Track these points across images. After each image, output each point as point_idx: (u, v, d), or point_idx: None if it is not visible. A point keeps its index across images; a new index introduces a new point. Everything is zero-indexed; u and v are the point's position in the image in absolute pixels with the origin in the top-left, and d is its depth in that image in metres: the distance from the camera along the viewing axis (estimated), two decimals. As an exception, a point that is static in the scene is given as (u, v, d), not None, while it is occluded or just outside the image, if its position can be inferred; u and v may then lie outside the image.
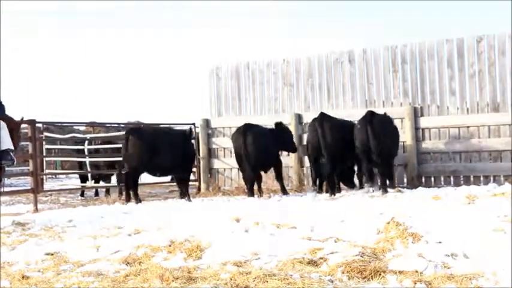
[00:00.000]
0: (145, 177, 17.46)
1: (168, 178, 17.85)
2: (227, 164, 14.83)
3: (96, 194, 15.37)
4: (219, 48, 43.18)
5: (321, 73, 14.19)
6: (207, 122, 15.19)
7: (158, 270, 5.22)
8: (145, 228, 7.67)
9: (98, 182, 15.61)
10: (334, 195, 11.14)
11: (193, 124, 15.40)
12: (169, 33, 48.90)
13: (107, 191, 15.01)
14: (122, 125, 16.76)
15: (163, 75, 49.59)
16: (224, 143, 14.61)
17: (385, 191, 10.96)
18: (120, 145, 15.60)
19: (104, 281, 5.18)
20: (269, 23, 45.98)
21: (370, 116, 11.48)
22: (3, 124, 9.01)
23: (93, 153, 15.30)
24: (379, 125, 11.42)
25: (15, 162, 9.50)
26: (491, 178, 12.25)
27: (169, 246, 6.44)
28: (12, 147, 9.09)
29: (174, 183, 16.67)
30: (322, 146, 11.58)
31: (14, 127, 9.57)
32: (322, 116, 11.85)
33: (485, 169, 12.40)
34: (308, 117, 13.72)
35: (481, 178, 12.39)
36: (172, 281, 4.97)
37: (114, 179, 15.56)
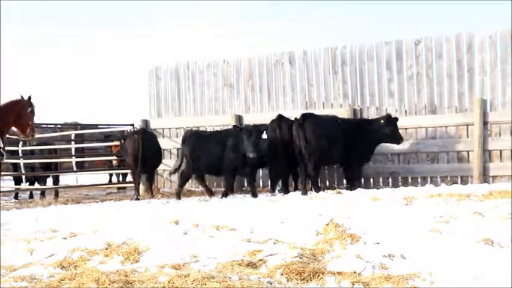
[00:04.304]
0: (82, 179, 17.22)
1: (106, 180, 17.63)
2: (167, 165, 14.68)
3: (31, 196, 14.97)
4: (158, 48, 42.89)
5: (262, 74, 14.19)
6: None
7: (94, 274, 5.11)
8: (81, 231, 7.51)
9: (33, 184, 15.21)
10: (317, 192, 11.23)
11: (132, 125, 15.22)
12: (107, 33, 48.29)
13: (42, 193, 14.67)
14: (59, 126, 16.45)
15: (101, 75, 48.92)
16: (164, 144, 14.41)
17: (305, 193, 11.29)
18: (56, 146, 15.30)
19: (38, 285, 5.05)
20: (210, 23, 45.89)
21: (278, 120, 12.19)
22: None
23: (28, 154, 14.89)
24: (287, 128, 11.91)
25: (4, 158, 10.05)
26: (429, 179, 12.48)
27: (106, 249, 6.34)
28: (1, 145, 9.93)
29: (112, 185, 16.49)
30: (302, 147, 11.64)
31: (21, 107, 10.68)
32: (304, 116, 11.92)
33: (423, 170, 12.61)
34: (248, 119, 13.74)
35: (419, 179, 12.60)
36: (109, 284, 4.87)
37: (49, 181, 15.21)
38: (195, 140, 12.35)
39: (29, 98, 10.75)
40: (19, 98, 10.84)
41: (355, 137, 12.01)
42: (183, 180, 12.61)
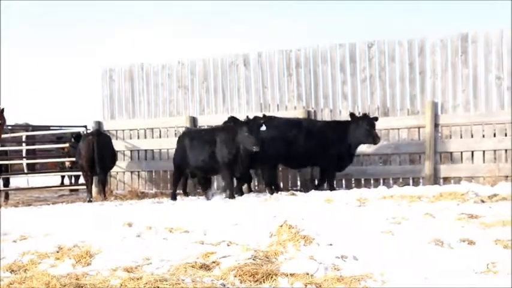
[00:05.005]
0: (33, 181, 16.92)
1: (58, 182, 17.38)
2: (120, 167, 14.55)
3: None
4: (112, 49, 42.38)
5: (216, 76, 14.16)
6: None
7: (44, 278, 5.03)
8: (32, 234, 7.38)
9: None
10: (272, 194, 11.14)
11: (85, 127, 15.05)
12: (61, 32, 47.57)
13: (-10, 196, 14.36)
14: (9, 127, 16.13)
15: (53, 75, 48.03)
16: (117, 145, 14.25)
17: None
18: (6, 148, 14.99)
19: (-15, 290, 4.95)
20: (164, 24, 45.53)
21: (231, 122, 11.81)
22: None
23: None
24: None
25: None
26: (381, 181, 12.61)
27: (57, 252, 6.24)
28: None
29: (64, 188, 16.26)
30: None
31: None
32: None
33: (376, 172, 12.75)
34: (203, 121, 13.72)
35: (372, 181, 12.74)
36: (60, 288, 4.79)
37: (-1, 183, 14.91)
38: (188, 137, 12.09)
39: (2, 110, 10.93)
40: None
41: (328, 138, 11.90)
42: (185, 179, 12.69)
